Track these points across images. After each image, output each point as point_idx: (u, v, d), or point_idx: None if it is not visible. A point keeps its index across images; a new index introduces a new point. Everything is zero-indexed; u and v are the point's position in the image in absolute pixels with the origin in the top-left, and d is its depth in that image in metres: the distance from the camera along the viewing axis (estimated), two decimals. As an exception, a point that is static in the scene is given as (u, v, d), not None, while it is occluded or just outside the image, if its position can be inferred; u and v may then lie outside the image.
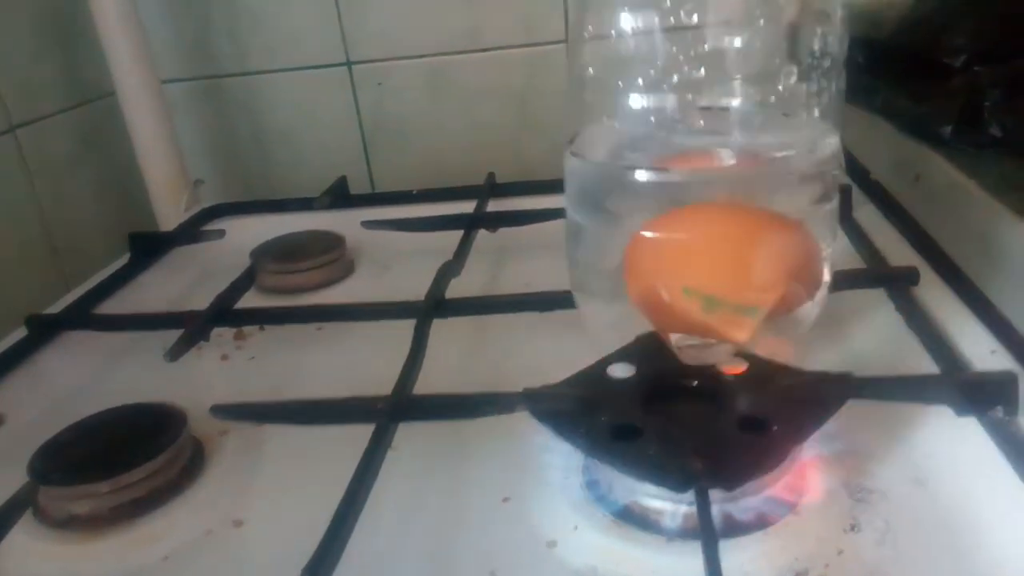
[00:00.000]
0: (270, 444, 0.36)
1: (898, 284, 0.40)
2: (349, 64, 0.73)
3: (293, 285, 0.51)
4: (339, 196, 0.63)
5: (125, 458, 0.33)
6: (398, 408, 0.33)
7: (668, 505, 0.29)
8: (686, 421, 0.30)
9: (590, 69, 0.30)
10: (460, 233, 0.52)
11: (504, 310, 0.43)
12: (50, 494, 0.32)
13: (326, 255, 0.52)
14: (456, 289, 0.46)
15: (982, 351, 0.34)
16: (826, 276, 0.29)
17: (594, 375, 0.33)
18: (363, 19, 0.71)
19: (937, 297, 0.39)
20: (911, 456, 0.31)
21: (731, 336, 0.28)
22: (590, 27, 0.29)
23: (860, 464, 0.31)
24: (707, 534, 0.26)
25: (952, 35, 0.52)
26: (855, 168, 0.57)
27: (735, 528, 0.28)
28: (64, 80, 0.66)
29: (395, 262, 0.55)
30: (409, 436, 0.34)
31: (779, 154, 0.28)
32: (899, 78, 0.50)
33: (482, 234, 0.54)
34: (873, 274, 0.41)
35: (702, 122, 0.29)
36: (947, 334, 0.36)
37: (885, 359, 0.36)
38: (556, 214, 0.54)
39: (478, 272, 0.50)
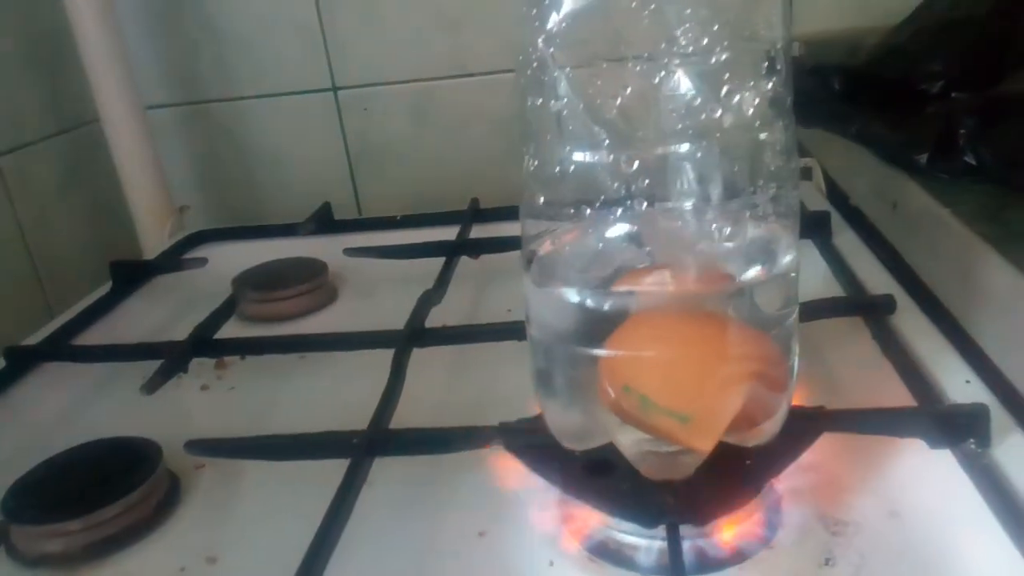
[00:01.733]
0: (246, 477, 0.36)
1: (875, 312, 0.40)
2: (335, 89, 0.74)
3: (275, 313, 0.51)
4: (323, 222, 0.63)
5: (98, 495, 0.32)
6: (374, 443, 0.33)
7: (643, 540, 0.29)
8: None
9: (540, 198, 0.30)
10: (443, 259, 0.52)
11: (483, 339, 0.43)
12: (22, 532, 0.32)
13: (308, 283, 0.52)
14: (437, 317, 0.46)
15: (957, 381, 0.35)
16: (790, 386, 0.29)
17: (570, 407, 0.33)
18: (348, 45, 0.72)
19: (914, 326, 0.39)
20: (886, 488, 0.31)
21: (691, 444, 0.27)
22: (535, 162, 0.29)
23: (835, 496, 0.31)
24: (676, 570, 0.26)
25: (928, 61, 0.53)
26: (835, 193, 0.57)
27: (709, 563, 0.28)
28: (47, 107, 0.66)
29: (378, 289, 0.55)
30: (385, 470, 0.33)
31: (743, 272, 0.28)
32: (876, 105, 0.50)
33: (465, 260, 0.54)
34: (850, 302, 0.41)
35: (662, 233, 0.28)
36: (922, 364, 0.36)
37: (861, 389, 0.36)
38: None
39: (460, 299, 0.50)
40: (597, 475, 0.29)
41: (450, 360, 0.43)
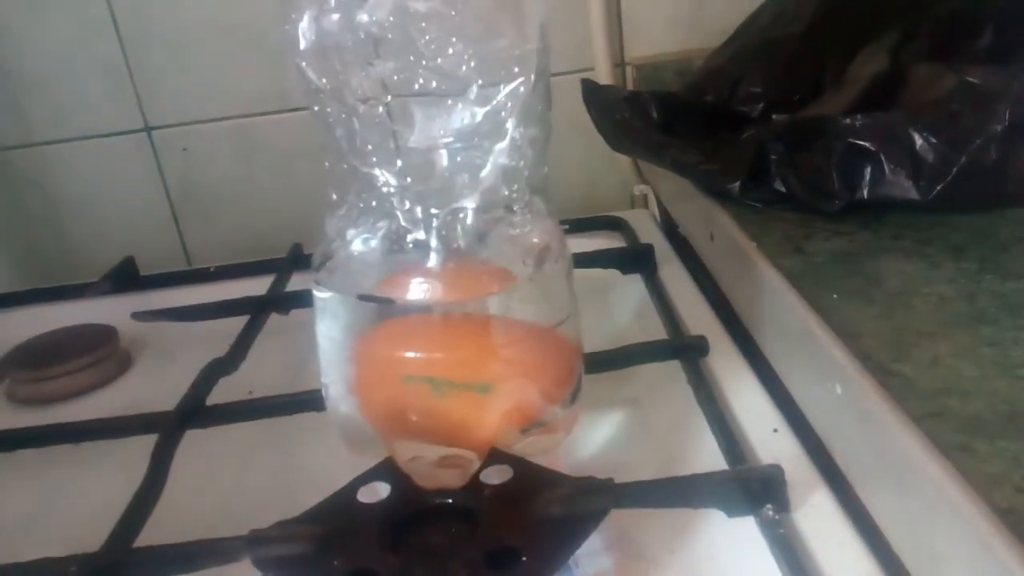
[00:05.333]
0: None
1: (689, 355, 0.37)
2: (148, 129, 0.68)
3: (49, 394, 0.44)
4: (123, 279, 0.56)
5: None
6: (99, 571, 0.27)
7: (409, 662, 0.25)
8: (432, 556, 0.26)
9: (333, 195, 0.32)
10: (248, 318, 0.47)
11: (277, 413, 0.38)
12: None
13: (90, 355, 0.46)
14: (240, 385, 0.41)
15: (765, 430, 0.32)
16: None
17: (342, 501, 0.29)
18: (158, 82, 0.66)
19: (727, 368, 0.37)
20: (692, 562, 0.28)
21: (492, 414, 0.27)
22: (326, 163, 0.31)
23: (640, 574, 0.28)
24: None
25: (747, 83, 0.52)
26: (667, 221, 0.56)
27: None
28: None
29: (182, 351, 0.49)
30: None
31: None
32: (694, 131, 0.49)
33: (276, 317, 0.49)
34: (666, 346, 0.39)
35: (433, 234, 0.29)
36: (732, 411, 0.34)
37: (674, 442, 0.34)
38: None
39: (270, 363, 0.45)
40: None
41: (238, 441, 0.38)
